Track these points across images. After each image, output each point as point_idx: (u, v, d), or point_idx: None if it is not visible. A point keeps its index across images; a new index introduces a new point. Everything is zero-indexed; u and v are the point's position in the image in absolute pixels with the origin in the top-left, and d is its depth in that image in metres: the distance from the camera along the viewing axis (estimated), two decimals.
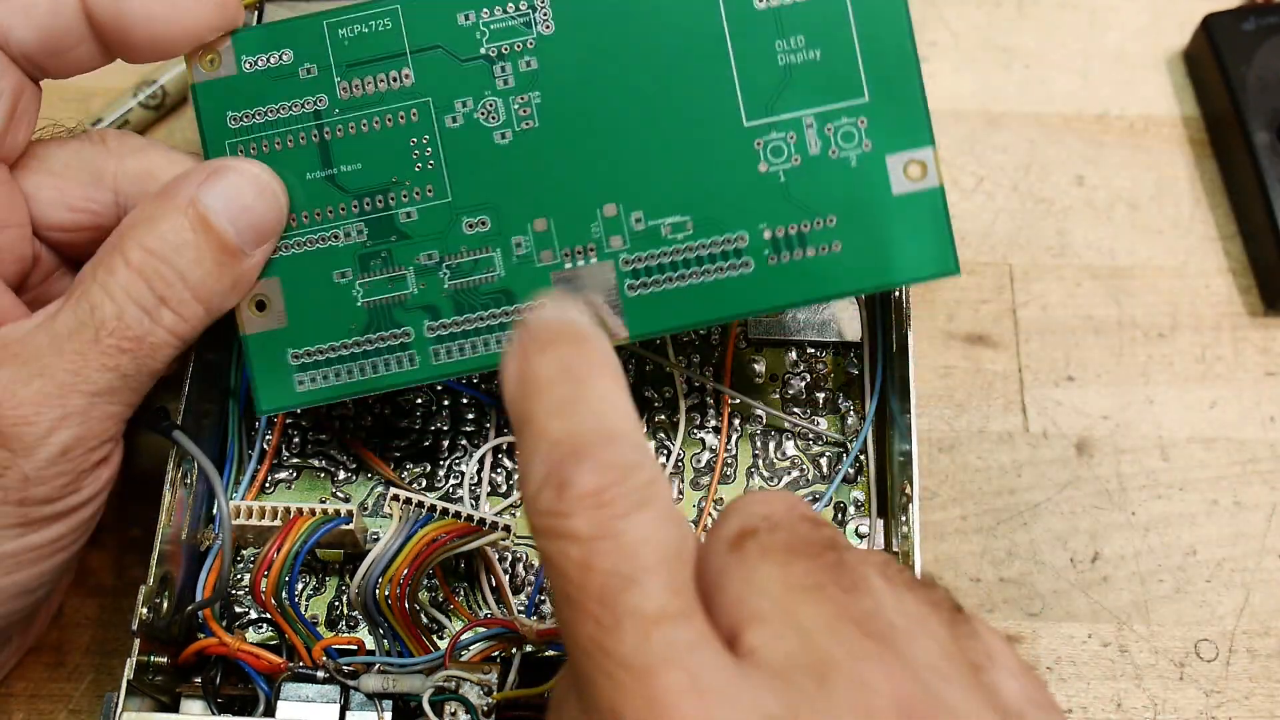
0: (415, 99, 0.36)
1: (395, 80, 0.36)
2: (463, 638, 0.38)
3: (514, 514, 0.42)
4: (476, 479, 0.42)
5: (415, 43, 0.36)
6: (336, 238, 0.37)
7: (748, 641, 0.25)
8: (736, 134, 0.36)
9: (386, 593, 0.37)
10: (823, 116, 0.36)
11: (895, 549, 0.40)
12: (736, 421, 0.43)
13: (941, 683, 0.25)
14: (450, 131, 0.36)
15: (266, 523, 0.38)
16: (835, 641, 0.25)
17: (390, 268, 0.37)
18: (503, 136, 0.36)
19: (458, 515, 0.37)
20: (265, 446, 0.42)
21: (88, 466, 0.34)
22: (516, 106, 0.36)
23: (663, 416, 0.43)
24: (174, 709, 0.38)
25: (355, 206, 0.37)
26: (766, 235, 0.36)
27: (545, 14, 0.36)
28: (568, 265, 0.36)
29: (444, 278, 0.37)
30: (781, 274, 0.36)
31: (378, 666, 0.38)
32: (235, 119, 0.37)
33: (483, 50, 0.36)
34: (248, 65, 0.37)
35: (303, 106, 0.37)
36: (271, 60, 0.37)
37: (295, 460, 0.42)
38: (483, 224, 0.36)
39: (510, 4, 0.36)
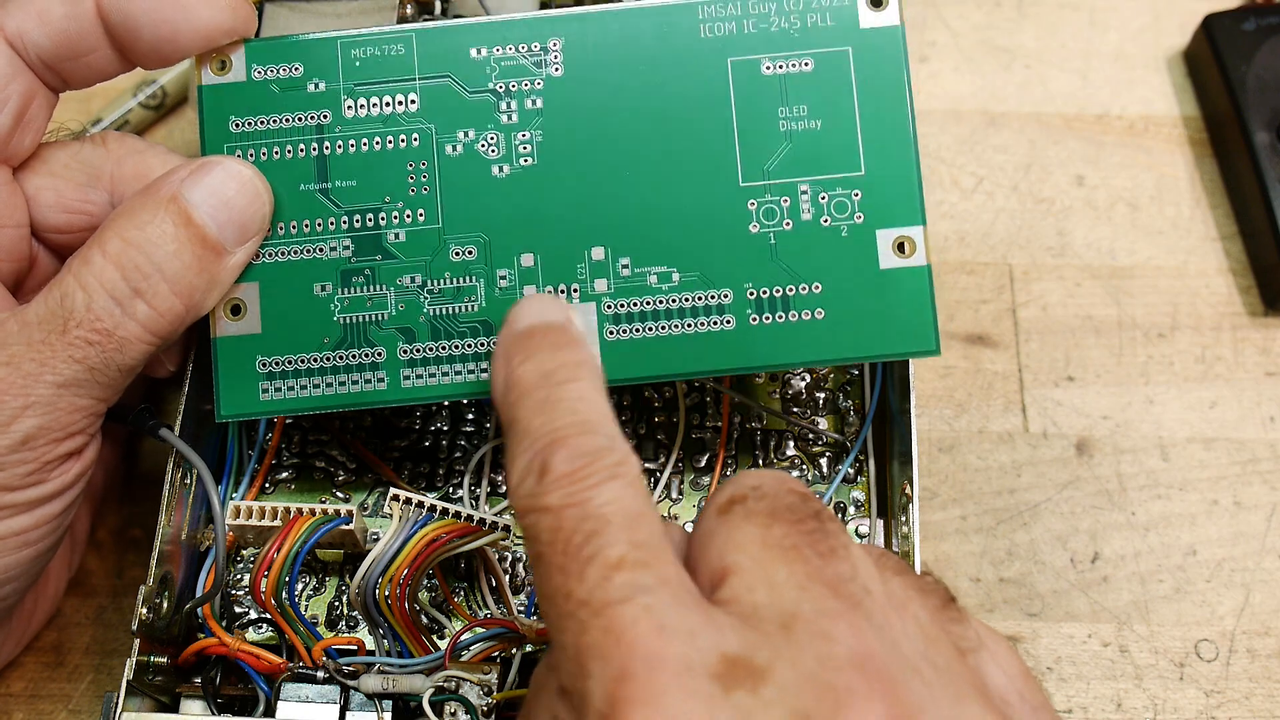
0: (418, 124, 0.37)
1: (401, 104, 0.37)
2: (463, 638, 0.38)
3: (513, 514, 0.42)
4: (476, 479, 0.42)
5: (425, 70, 0.37)
6: (322, 250, 0.37)
7: (722, 592, 0.27)
8: (731, 193, 0.36)
9: (386, 593, 0.37)
10: (818, 185, 0.37)
11: (895, 549, 0.40)
12: (736, 421, 0.43)
13: (910, 647, 0.26)
14: (449, 160, 0.37)
15: (266, 523, 0.38)
16: (804, 597, 0.26)
17: (372, 286, 0.37)
18: (500, 170, 0.37)
19: (458, 515, 0.37)
20: (265, 446, 0.42)
21: (54, 458, 0.34)
22: (518, 142, 0.37)
23: (662, 416, 0.43)
24: (174, 709, 0.38)
25: (345, 222, 0.37)
26: (751, 295, 0.36)
27: (557, 57, 0.37)
28: None
29: (424, 302, 0.37)
30: (762, 335, 0.36)
31: (378, 667, 0.38)
32: (237, 124, 0.37)
33: (491, 85, 0.37)
34: (257, 74, 0.37)
35: (306, 119, 0.37)
36: (282, 72, 0.37)
37: (295, 460, 0.42)
38: (470, 253, 0.37)
39: (523, 44, 0.37)
